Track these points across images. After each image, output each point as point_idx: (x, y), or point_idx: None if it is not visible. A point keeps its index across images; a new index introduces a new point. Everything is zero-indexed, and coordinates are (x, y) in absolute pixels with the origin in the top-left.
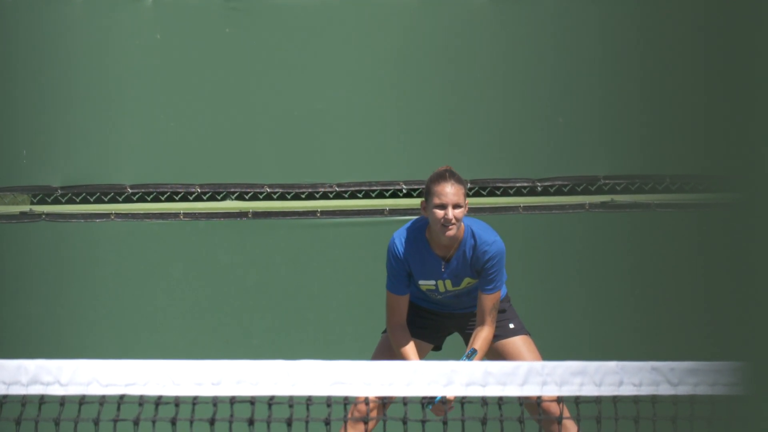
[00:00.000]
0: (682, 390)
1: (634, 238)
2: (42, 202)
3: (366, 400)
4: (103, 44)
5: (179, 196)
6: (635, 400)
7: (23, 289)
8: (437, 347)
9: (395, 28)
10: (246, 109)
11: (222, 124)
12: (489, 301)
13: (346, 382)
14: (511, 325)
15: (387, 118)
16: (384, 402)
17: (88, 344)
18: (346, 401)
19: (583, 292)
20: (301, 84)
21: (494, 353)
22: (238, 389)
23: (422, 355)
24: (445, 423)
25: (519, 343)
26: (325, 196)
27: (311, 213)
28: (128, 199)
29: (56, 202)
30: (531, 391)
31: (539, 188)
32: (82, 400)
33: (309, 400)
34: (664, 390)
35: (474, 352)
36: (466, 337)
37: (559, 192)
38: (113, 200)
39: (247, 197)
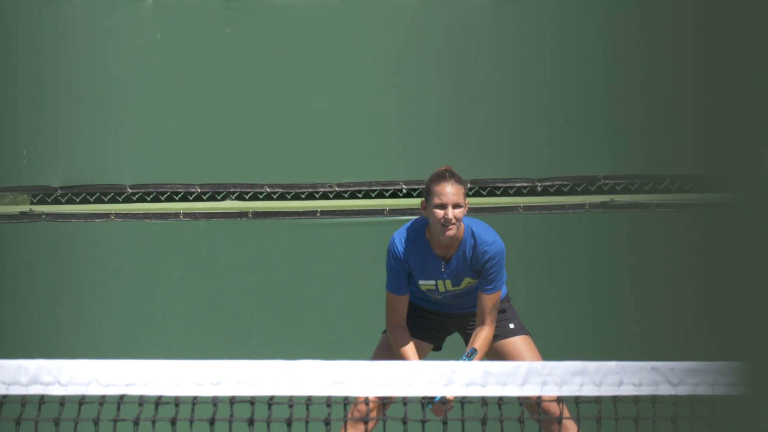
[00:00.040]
0: (682, 390)
1: (634, 238)
2: (42, 202)
3: (366, 400)
4: (103, 44)
5: (179, 196)
6: (635, 400)
7: (23, 289)
8: (437, 347)
9: (395, 28)
10: (246, 109)
11: (222, 124)
12: (489, 301)
13: (346, 382)
14: (511, 325)
15: (387, 118)
16: (384, 402)
17: (88, 344)
18: (346, 401)
19: (583, 292)
20: (301, 84)
21: (494, 353)
22: (238, 389)
23: (422, 355)
24: (445, 423)
25: (519, 343)
26: (325, 196)
27: (311, 213)
28: (128, 199)
29: (56, 202)
30: (531, 391)
31: (539, 188)
32: (82, 400)
33: (309, 400)
34: (664, 390)
35: (474, 351)
36: (466, 337)
37: (559, 192)
38: (113, 200)
39: (247, 197)
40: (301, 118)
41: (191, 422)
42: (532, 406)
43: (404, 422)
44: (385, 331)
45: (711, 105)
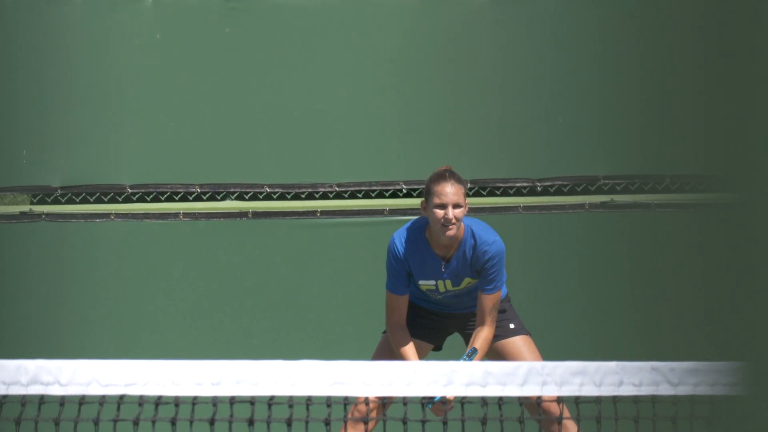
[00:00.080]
0: (682, 390)
1: (634, 238)
2: (42, 202)
3: (366, 400)
4: (103, 44)
5: (179, 196)
6: (635, 400)
7: (23, 289)
8: (437, 347)
9: (395, 28)
10: (246, 109)
11: (222, 124)
12: (489, 301)
13: (346, 382)
14: (512, 325)
15: (387, 118)
16: (384, 402)
17: (88, 344)
18: (346, 401)
19: (583, 292)
20: (301, 84)
21: (494, 353)
22: (237, 389)
23: (422, 355)
24: (445, 423)
25: (519, 343)
26: (325, 196)
27: (311, 213)
28: (128, 199)
29: (56, 202)
30: (531, 391)
31: (539, 188)
32: (82, 400)
33: (309, 400)
34: (664, 390)
35: (474, 351)
36: (466, 337)
37: (559, 192)
38: (113, 200)
39: (247, 197)
40: (301, 118)
41: (191, 422)
42: (532, 406)
43: (404, 422)
44: (385, 331)
45: (711, 105)
